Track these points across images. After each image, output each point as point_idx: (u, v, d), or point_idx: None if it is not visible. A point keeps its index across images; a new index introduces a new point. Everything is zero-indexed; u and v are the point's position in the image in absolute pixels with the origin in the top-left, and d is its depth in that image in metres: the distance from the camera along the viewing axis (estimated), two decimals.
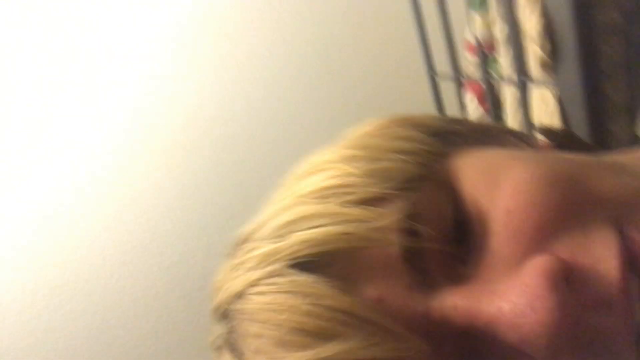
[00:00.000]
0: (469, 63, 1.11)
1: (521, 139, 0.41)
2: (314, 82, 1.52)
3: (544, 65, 0.91)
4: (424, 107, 1.20)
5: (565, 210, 0.28)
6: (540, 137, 0.44)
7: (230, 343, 0.34)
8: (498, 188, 0.29)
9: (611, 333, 0.26)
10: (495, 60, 1.05)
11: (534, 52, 0.92)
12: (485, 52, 1.04)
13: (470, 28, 1.07)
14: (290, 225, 0.31)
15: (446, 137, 0.36)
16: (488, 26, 1.03)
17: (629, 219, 0.28)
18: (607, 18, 0.91)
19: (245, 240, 0.35)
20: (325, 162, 0.35)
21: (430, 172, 0.32)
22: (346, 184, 0.31)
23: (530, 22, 0.90)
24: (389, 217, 0.29)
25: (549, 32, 0.89)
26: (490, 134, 0.39)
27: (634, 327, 0.27)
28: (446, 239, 0.30)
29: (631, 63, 0.93)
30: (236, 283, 0.33)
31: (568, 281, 0.26)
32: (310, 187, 0.33)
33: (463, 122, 0.40)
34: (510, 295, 0.26)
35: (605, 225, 0.28)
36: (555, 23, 0.87)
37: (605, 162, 0.34)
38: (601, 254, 0.27)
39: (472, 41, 1.06)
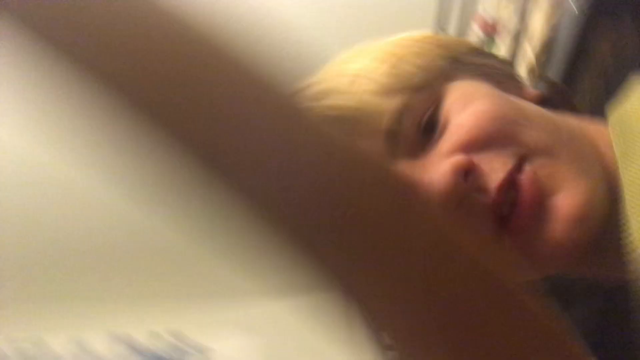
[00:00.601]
0: (474, 35, 1.15)
1: (513, 82, 0.53)
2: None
3: (531, 72, 0.97)
4: None
5: (494, 138, 0.41)
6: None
7: None
8: (464, 110, 0.43)
9: (482, 205, 0.41)
10: (494, 42, 1.10)
11: (528, 56, 0.97)
12: (489, 32, 1.08)
13: (485, 6, 1.10)
14: (327, 92, 0.45)
15: (457, 63, 0.49)
16: (500, 11, 1.06)
17: (530, 159, 0.41)
18: (600, 57, 0.96)
19: (296, 93, 0.49)
20: (363, 54, 0.48)
21: (430, 85, 0.45)
22: (370, 76, 0.45)
23: (537, 29, 0.94)
24: (388, 105, 0.43)
25: (549, 46, 0.93)
26: (491, 71, 0.51)
27: (498, 207, 0.41)
28: (418, 131, 0.43)
29: (601, 105, 0.99)
30: None
31: (469, 173, 0.40)
32: (347, 70, 0.47)
33: (479, 54, 0.52)
34: (432, 172, 0.41)
35: (512, 156, 0.41)
36: (557, 42, 0.92)
37: (550, 120, 0.45)
38: (497, 167, 0.41)
39: (483, 18, 1.10)
